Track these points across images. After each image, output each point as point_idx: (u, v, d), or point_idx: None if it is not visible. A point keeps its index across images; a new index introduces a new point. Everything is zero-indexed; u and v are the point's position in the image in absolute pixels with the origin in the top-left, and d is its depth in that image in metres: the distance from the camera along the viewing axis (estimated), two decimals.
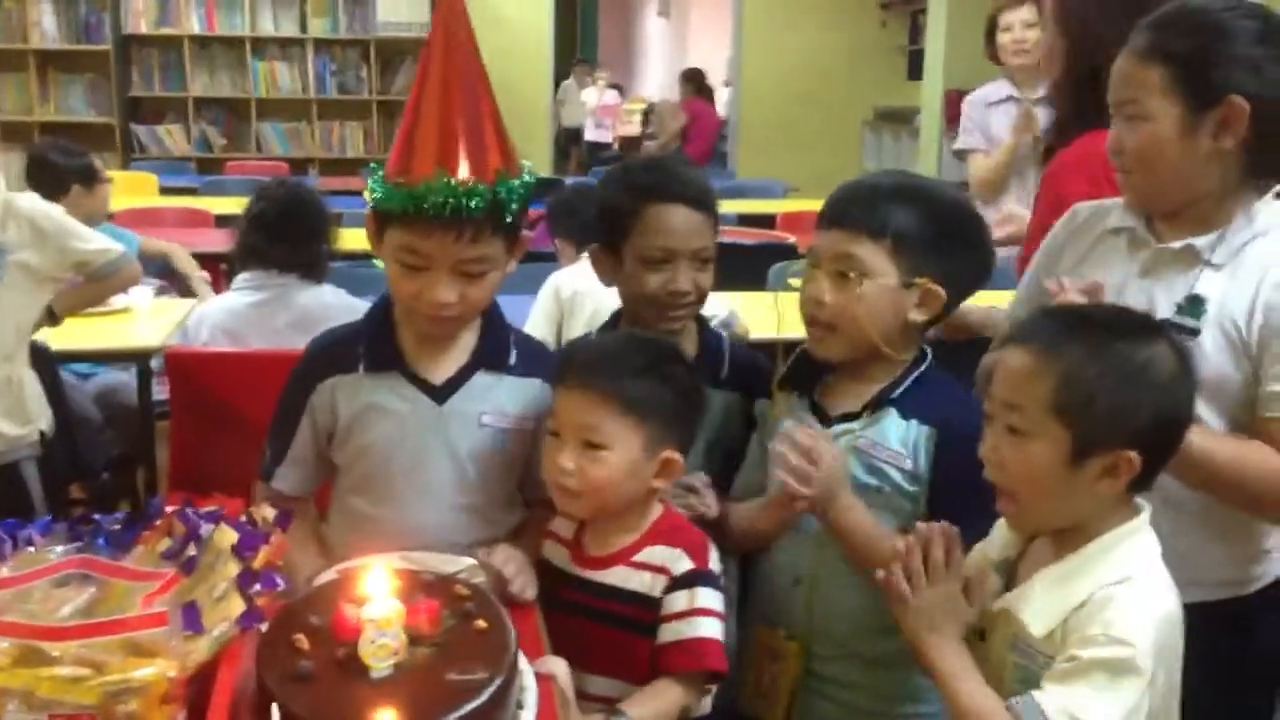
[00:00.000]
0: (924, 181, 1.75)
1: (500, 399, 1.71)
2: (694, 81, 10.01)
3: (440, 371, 1.70)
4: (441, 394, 1.69)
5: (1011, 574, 1.44)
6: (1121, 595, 1.29)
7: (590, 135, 11.86)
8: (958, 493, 1.53)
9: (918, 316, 1.66)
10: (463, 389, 1.70)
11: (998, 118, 4.07)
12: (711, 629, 1.56)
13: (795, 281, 1.76)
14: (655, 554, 1.60)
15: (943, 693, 1.36)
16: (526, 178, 1.62)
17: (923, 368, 1.70)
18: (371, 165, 1.63)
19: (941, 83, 7.55)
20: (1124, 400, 1.29)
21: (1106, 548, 1.34)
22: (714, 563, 1.61)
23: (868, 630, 1.67)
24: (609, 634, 1.59)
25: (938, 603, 1.38)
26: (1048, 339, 1.34)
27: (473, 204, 1.53)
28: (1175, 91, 1.59)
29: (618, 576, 1.60)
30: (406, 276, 1.61)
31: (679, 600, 1.57)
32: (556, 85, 10.15)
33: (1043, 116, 3.94)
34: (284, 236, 3.00)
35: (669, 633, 1.56)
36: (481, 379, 1.71)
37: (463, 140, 1.56)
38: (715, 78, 10.16)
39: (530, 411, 1.72)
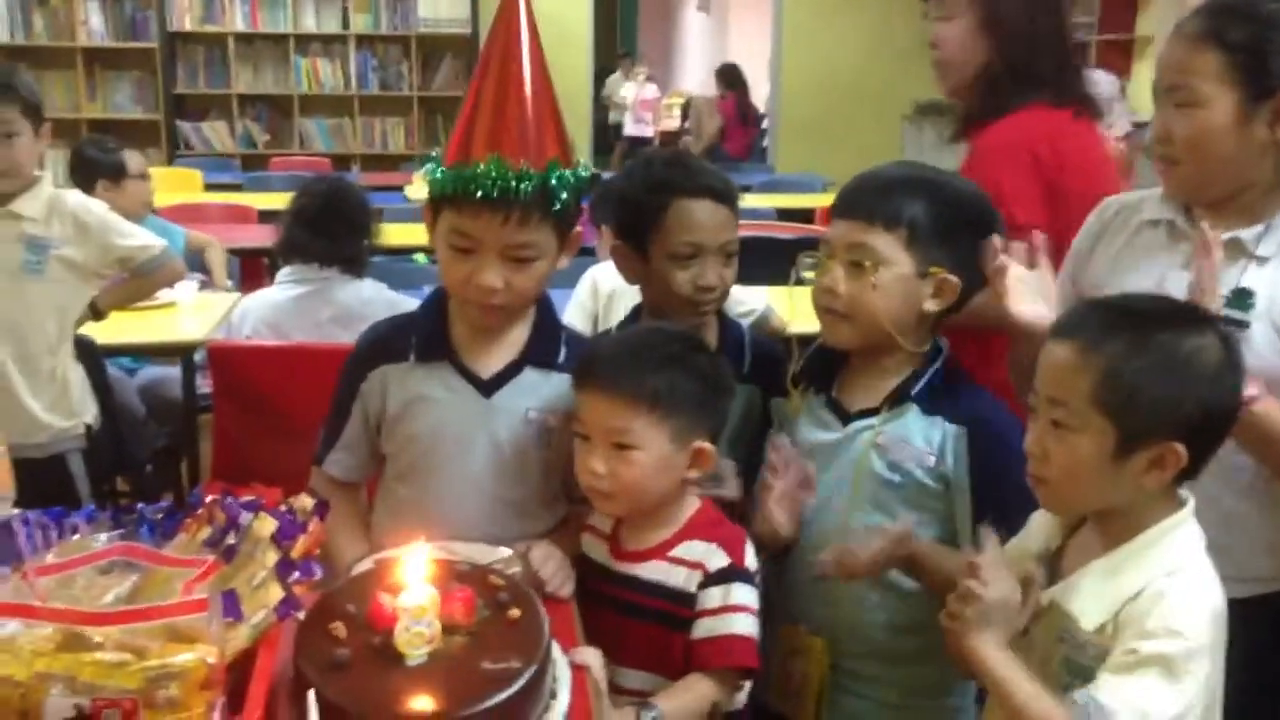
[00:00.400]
0: (937, 173, 1.73)
1: (547, 396, 1.72)
2: (727, 77, 9.98)
3: (490, 365, 1.71)
4: (489, 387, 1.70)
5: (1054, 566, 1.43)
6: (1176, 588, 1.28)
7: (630, 130, 11.83)
8: (1002, 491, 1.52)
9: (932, 306, 1.65)
10: (511, 384, 1.71)
11: None
12: (745, 626, 1.56)
13: (811, 275, 1.75)
14: (692, 549, 1.60)
15: (997, 695, 1.33)
16: (581, 170, 1.64)
17: (939, 361, 1.69)
18: (432, 153, 1.66)
19: None
20: (1169, 392, 1.28)
21: (1155, 540, 1.33)
22: (750, 559, 1.61)
23: (892, 627, 1.67)
24: (644, 628, 1.59)
25: (995, 606, 1.34)
26: (1091, 333, 1.32)
27: (522, 187, 1.55)
28: (1232, 79, 1.57)
29: (654, 571, 1.60)
30: (456, 260, 1.62)
31: (714, 596, 1.57)
32: (596, 80, 10.16)
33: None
34: (325, 231, 3.04)
35: (703, 628, 1.56)
36: (530, 375, 1.72)
37: (519, 127, 1.58)
38: (755, 72, 10.10)
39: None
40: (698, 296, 1.85)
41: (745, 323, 2.22)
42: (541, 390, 1.72)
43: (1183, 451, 1.28)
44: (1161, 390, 1.28)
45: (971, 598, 1.33)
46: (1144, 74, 6.58)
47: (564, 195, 1.60)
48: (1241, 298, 1.61)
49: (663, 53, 16.13)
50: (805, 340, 1.81)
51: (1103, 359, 1.30)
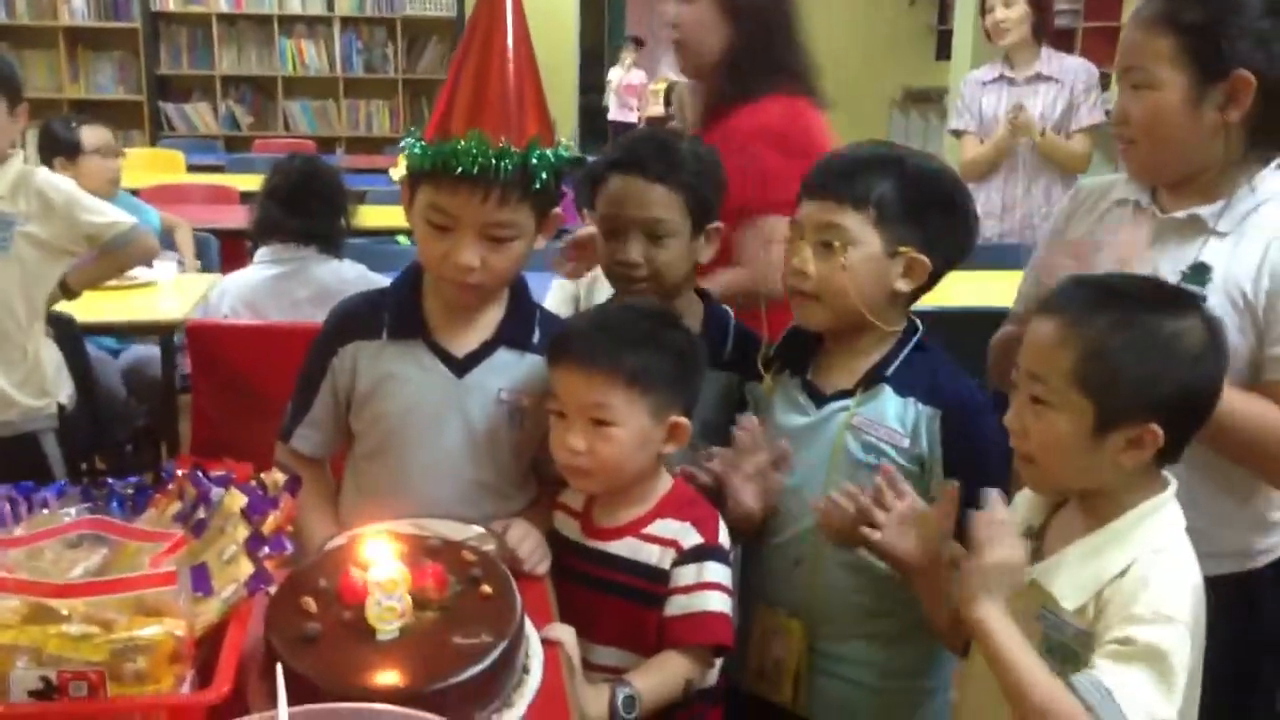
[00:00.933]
0: (905, 151, 1.72)
1: (520, 376, 1.71)
2: None
3: (463, 344, 1.70)
4: (462, 367, 1.69)
5: (1036, 544, 1.43)
6: (1161, 569, 1.28)
7: (614, 115, 11.73)
8: (972, 473, 1.52)
9: (903, 286, 1.65)
10: (483, 363, 1.70)
11: (988, 98, 4.06)
12: (718, 603, 1.56)
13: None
14: (665, 527, 1.60)
15: (995, 663, 1.30)
16: (562, 150, 1.63)
17: (913, 341, 1.69)
18: (411, 129, 1.64)
19: (970, 63, 7.46)
20: (1148, 372, 1.28)
21: (1137, 520, 1.33)
22: (723, 537, 1.61)
23: (869, 610, 1.67)
24: (617, 605, 1.59)
25: (999, 568, 1.33)
26: (1075, 310, 1.33)
27: (502, 165, 1.54)
28: (1184, 62, 1.58)
29: (627, 548, 1.60)
30: (433, 237, 1.61)
31: (687, 574, 1.57)
32: (582, 63, 10.14)
33: (1041, 96, 3.93)
34: (300, 209, 3.02)
35: (676, 606, 1.56)
36: (503, 355, 1.71)
37: (500, 106, 1.57)
38: None
39: (550, 390, 1.71)
40: (615, 270, 1.85)
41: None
42: (514, 370, 1.71)
43: (1159, 432, 1.29)
44: (1141, 370, 1.28)
45: (977, 557, 1.33)
46: None
47: (544, 175, 1.58)
48: (1199, 272, 1.63)
49: (652, 37, 16.07)
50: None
51: (1085, 337, 1.30)
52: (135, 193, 4.28)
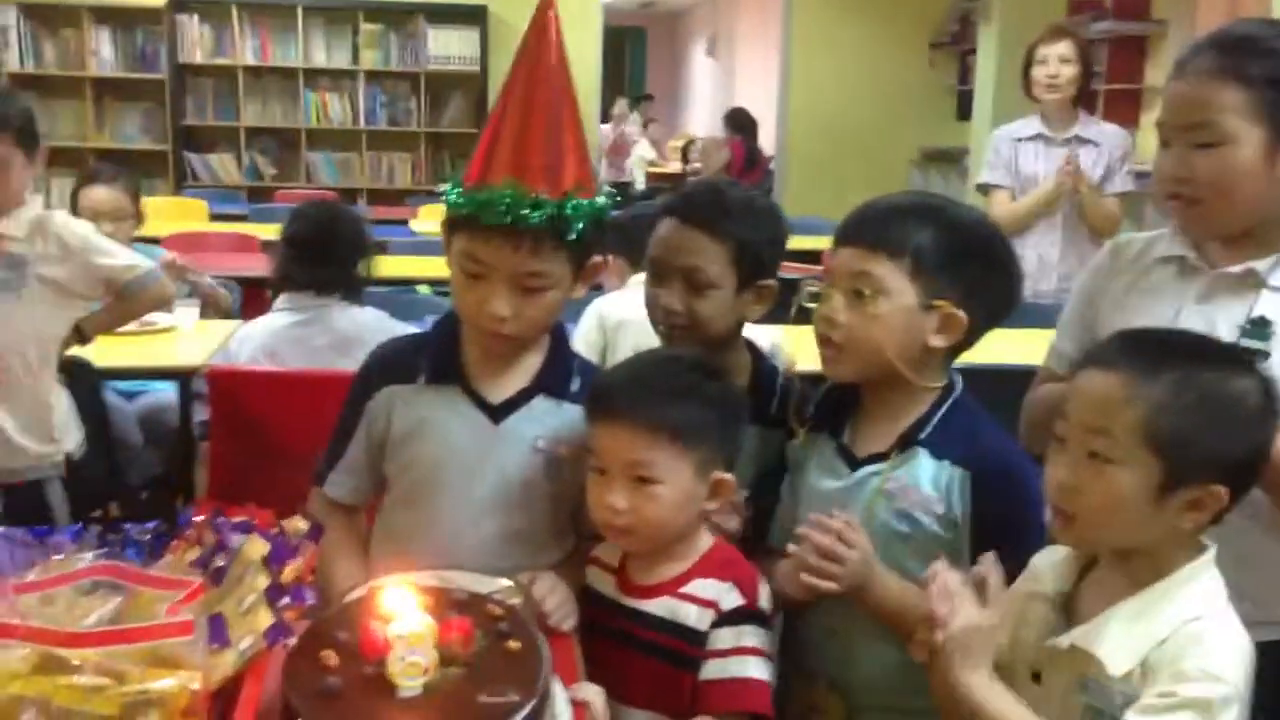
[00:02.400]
0: (946, 202, 1.67)
1: (557, 427, 1.67)
2: (735, 120, 9.99)
3: (500, 391, 1.67)
4: (498, 414, 1.66)
5: (1069, 609, 1.38)
6: (1210, 630, 1.25)
7: (605, 175, 10.92)
8: (1003, 534, 1.47)
9: (938, 342, 1.58)
10: (520, 411, 1.67)
11: (1026, 155, 4.04)
12: (757, 669, 1.50)
13: (812, 306, 1.68)
14: (704, 587, 1.54)
15: None
16: (600, 200, 1.61)
17: (949, 402, 1.62)
18: (451, 174, 1.64)
19: (990, 123, 7.46)
20: (1219, 433, 1.25)
21: (1183, 582, 1.29)
22: (764, 600, 1.55)
23: (905, 683, 1.58)
24: (650, 665, 1.53)
25: (967, 631, 1.32)
26: (1138, 364, 1.28)
27: (535, 215, 1.51)
28: (1258, 115, 1.54)
29: (664, 607, 1.54)
30: (467, 285, 1.60)
31: (725, 637, 1.51)
32: (602, 119, 10.18)
33: (1082, 158, 3.90)
34: (320, 258, 3.01)
35: (712, 669, 1.50)
36: (541, 403, 1.68)
37: (538, 153, 1.55)
38: (762, 116, 10.13)
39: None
40: (655, 315, 1.82)
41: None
42: (551, 420, 1.67)
43: (1223, 494, 1.25)
44: (1213, 431, 1.25)
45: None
46: (1150, 124, 6.58)
47: (579, 224, 1.56)
48: (1260, 327, 1.59)
49: (671, 96, 16.23)
50: (809, 377, 1.76)
51: (1153, 392, 1.26)
52: (157, 241, 4.28)
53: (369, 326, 2.95)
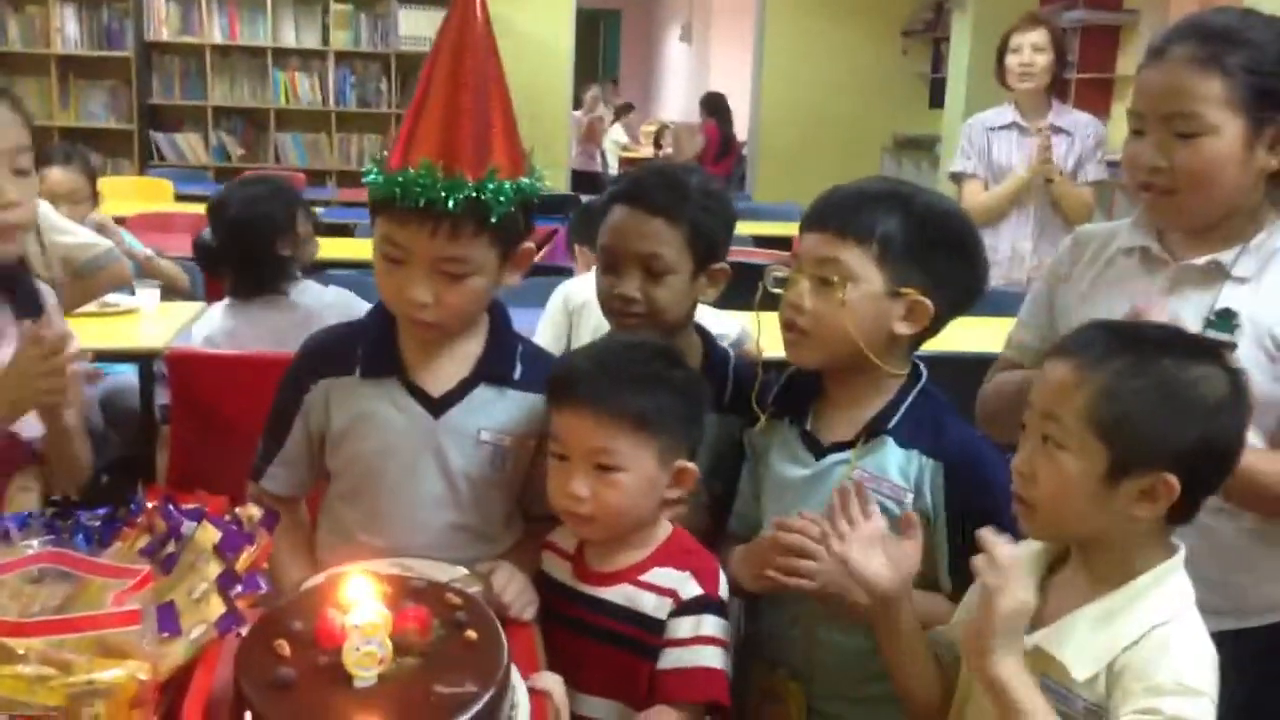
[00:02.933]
0: (915, 189, 1.65)
1: (501, 414, 1.64)
2: (710, 104, 9.97)
3: (439, 382, 1.63)
4: (438, 407, 1.62)
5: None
6: (1177, 636, 1.22)
7: (574, 163, 10.50)
8: (980, 525, 1.45)
9: (904, 329, 1.58)
10: (461, 403, 1.63)
11: (999, 143, 4.04)
12: (715, 659, 1.49)
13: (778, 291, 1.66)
14: (663, 575, 1.53)
15: None
16: (526, 182, 1.54)
17: (915, 391, 1.62)
18: (374, 157, 1.57)
19: (963, 111, 7.48)
20: (1165, 419, 1.23)
21: (1149, 586, 1.26)
22: (723, 589, 1.54)
23: (869, 672, 1.57)
24: (608, 654, 1.52)
25: (1016, 614, 1.23)
26: (1092, 351, 1.28)
27: (451, 198, 1.46)
28: (1239, 106, 1.54)
29: (622, 595, 1.53)
30: (387, 270, 1.55)
31: (683, 626, 1.50)
32: (576, 106, 10.12)
33: (1055, 147, 3.91)
34: (240, 265, 2.90)
35: (670, 659, 1.49)
36: (482, 392, 1.64)
37: (459, 133, 1.49)
38: (736, 101, 10.14)
39: (533, 428, 1.65)
40: (611, 304, 1.80)
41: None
42: (494, 408, 1.64)
43: (1175, 483, 1.23)
44: (1158, 416, 1.23)
45: (987, 608, 1.23)
46: (1121, 114, 6.61)
47: (501, 208, 1.49)
48: (1225, 318, 1.59)
49: (644, 81, 16.17)
50: (775, 364, 1.74)
51: (1100, 377, 1.25)
52: (121, 220, 4.21)
53: (334, 304, 2.88)
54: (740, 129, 10.11)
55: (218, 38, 8.34)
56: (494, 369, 1.65)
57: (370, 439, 1.63)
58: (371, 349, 1.64)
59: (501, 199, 1.49)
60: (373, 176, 1.52)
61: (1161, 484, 1.23)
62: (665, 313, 1.78)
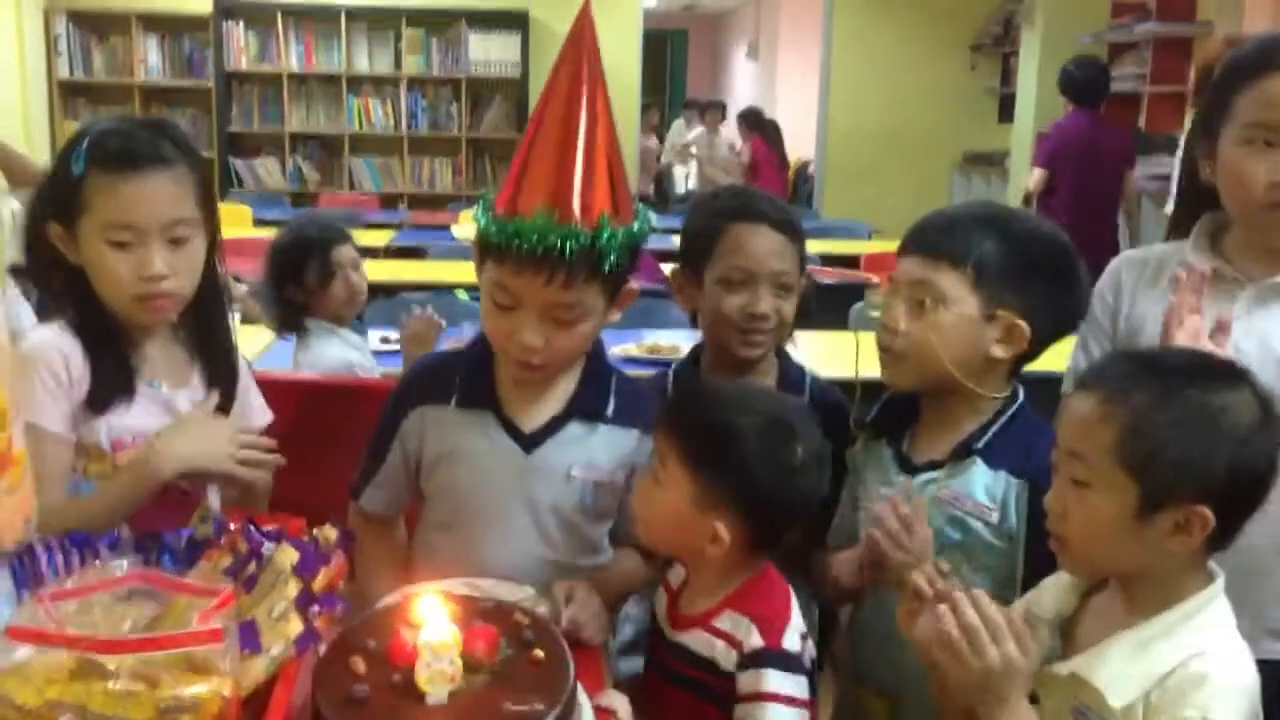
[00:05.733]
0: (1013, 211, 1.67)
1: (592, 450, 1.66)
2: (749, 119, 9.99)
3: (533, 417, 1.65)
4: (530, 443, 1.64)
5: (1067, 633, 1.35)
6: (1215, 670, 1.20)
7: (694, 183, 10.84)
8: None
9: (1000, 353, 1.58)
10: (553, 439, 1.65)
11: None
12: (779, 717, 1.40)
13: (876, 315, 1.69)
14: (731, 621, 1.46)
15: None
16: (636, 227, 1.56)
17: (1010, 413, 1.62)
18: (483, 194, 1.58)
19: (1033, 125, 7.43)
20: (1195, 450, 1.20)
21: (1189, 615, 1.24)
22: (789, 639, 1.44)
23: None
24: (685, 699, 1.49)
25: (1004, 665, 1.22)
26: (1115, 384, 1.26)
27: (567, 247, 1.47)
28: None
29: (696, 641, 1.48)
30: (497, 314, 1.56)
31: (746, 680, 1.43)
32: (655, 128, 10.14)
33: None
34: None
35: (739, 712, 1.43)
36: (574, 429, 1.66)
37: (570, 181, 1.49)
38: (804, 118, 10.12)
39: (624, 464, 1.67)
40: (746, 324, 1.82)
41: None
42: (586, 445, 1.66)
43: (1209, 515, 1.20)
44: (1187, 448, 1.20)
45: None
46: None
47: (613, 255, 1.51)
48: None
49: (711, 99, 16.20)
50: (869, 385, 1.75)
51: (1126, 411, 1.22)
52: None
53: (322, 367, 2.86)
54: (808, 146, 10.09)
55: (294, 66, 8.52)
56: (587, 405, 1.66)
57: (462, 471, 1.66)
58: (468, 380, 1.66)
59: (614, 246, 1.50)
60: (484, 222, 1.53)
61: (1196, 516, 1.21)
62: (787, 326, 1.86)
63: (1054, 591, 1.39)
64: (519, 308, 1.54)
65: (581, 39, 1.52)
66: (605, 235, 1.49)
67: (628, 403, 1.68)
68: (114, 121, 1.66)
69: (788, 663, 1.42)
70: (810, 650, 1.47)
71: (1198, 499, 1.20)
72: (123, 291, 1.61)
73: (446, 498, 1.69)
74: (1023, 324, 1.57)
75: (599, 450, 1.66)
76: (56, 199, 1.62)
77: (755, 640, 1.43)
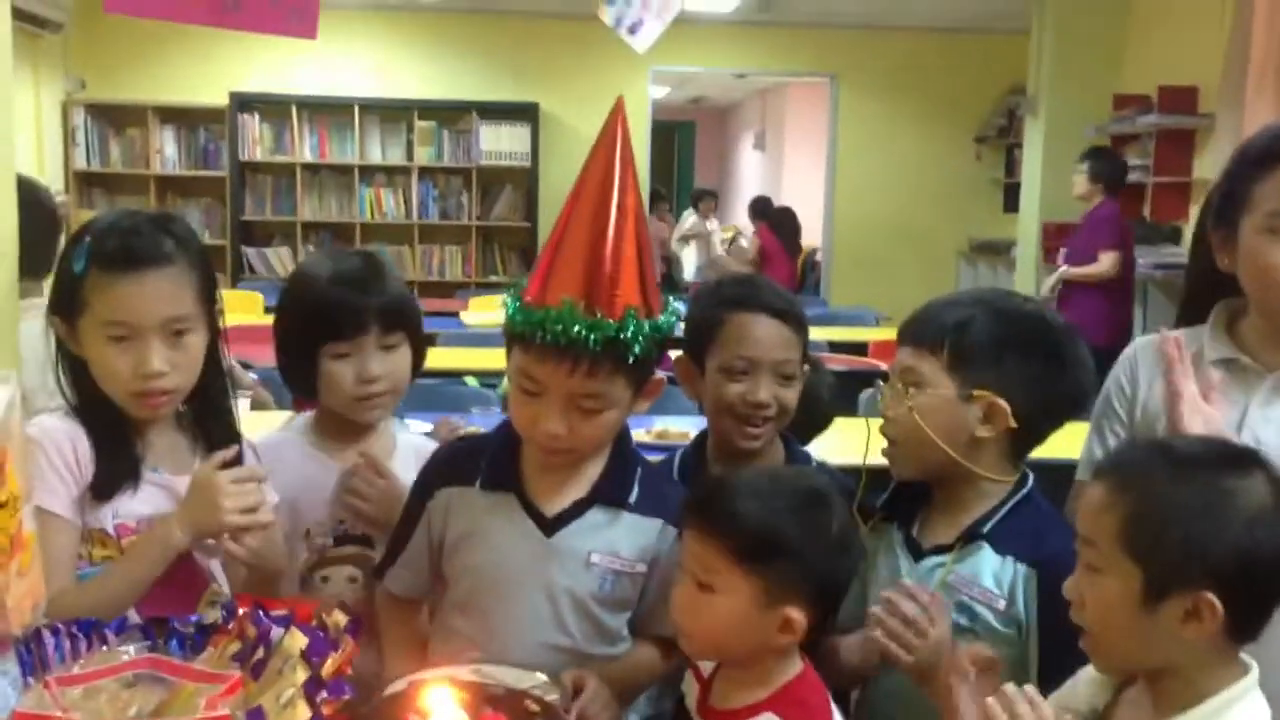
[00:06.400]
0: (999, 295, 1.69)
1: (613, 538, 1.64)
2: (757, 207, 10.11)
3: (555, 501, 1.64)
4: (551, 526, 1.64)
5: None
6: None
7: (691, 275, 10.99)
8: (1069, 639, 1.40)
9: (985, 432, 1.59)
10: (574, 524, 1.64)
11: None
12: None
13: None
14: None
15: None
16: (663, 319, 1.57)
17: (1017, 498, 1.62)
18: (514, 282, 1.61)
19: (1038, 215, 7.51)
20: (1198, 534, 1.18)
21: (1217, 710, 1.22)
22: None
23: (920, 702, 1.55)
24: None
25: None
26: (1127, 470, 1.26)
27: (591, 338, 1.47)
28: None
29: None
30: (522, 401, 1.57)
31: None
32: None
33: None
34: None
35: None
36: (596, 515, 1.65)
37: (598, 273, 1.50)
38: (810, 207, 10.23)
39: (646, 555, 1.65)
40: (746, 411, 1.82)
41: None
42: (608, 532, 1.65)
43: (1215, 602, 1.18)
44: (1189, 531, 1.18)
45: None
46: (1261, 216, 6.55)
47: (638, 348, 1.51)
48: None
49: (718, 188, 16.39)
50: (876, 472, 1.75)
51: (1132, 497, 1.22)
52: None
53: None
54: (814, 235, 10.19)
55: (308, 156, 8.68)
56: (610, 491, 1.65)
57: (482, 552, 1.65)
58: (493, 462, 1.67)
59: (640, 339, 1.51)
60: (512, 310, 1.55)
61: (1202, 603, 1.18)
62: (788, 415, 1.85)
63: (1088, 684, 1.37)
64: (544, 395, 1.54)
65: (614, 133, 1.55)
66: (631, 327, 1.50)
67: (651, 492, 1.68)
68: (117, 217, 1.69)
69: None
70: None
71: (1203, 585, 1.18)
72: (121, 387, 1.64)
73: (465, 579, 1.68)
74: (1001, 402, 1.57)
75: (621, 539, 1.65)
76: (59, 295, 1.67)
77: None
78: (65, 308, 1.65)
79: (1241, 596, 1.19)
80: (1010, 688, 1.25)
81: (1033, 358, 1.60)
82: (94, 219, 1.72)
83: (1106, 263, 5.82)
